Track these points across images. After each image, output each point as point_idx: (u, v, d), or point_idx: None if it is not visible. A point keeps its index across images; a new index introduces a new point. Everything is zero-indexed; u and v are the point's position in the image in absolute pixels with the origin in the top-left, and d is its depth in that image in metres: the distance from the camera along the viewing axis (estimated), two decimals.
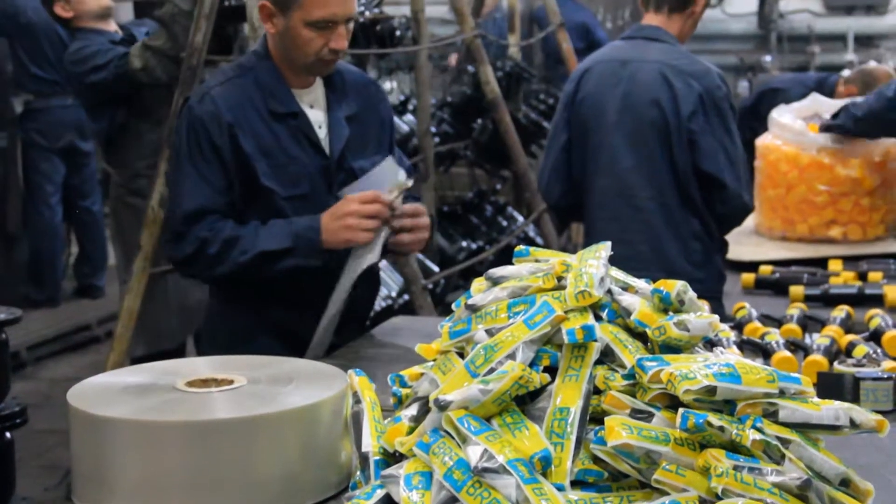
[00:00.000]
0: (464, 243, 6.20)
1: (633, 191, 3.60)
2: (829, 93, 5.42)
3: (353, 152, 2.97)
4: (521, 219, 6.57)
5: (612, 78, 3.65)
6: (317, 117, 2.95)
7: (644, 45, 3.65)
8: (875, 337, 2.68)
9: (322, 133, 2.94)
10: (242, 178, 2.86)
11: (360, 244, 2.83)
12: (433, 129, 5.96)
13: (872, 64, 5.36)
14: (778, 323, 2.89)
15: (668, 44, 3.62)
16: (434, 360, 2.01)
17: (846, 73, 5.50)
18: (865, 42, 11.91)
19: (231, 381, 1.85)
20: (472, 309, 2.00)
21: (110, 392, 1.84)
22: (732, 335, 2.68)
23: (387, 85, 6.10)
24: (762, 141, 4.39)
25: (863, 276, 3.62)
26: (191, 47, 4.20)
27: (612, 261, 2.01)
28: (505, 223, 6.56)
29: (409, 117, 5.86)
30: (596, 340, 1.80)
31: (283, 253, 2.80)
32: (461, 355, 1.94)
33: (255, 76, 2.90)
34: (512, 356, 1.80)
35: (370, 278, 3.07)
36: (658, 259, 3.53)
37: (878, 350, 2.54)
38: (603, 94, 3.65)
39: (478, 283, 2.11)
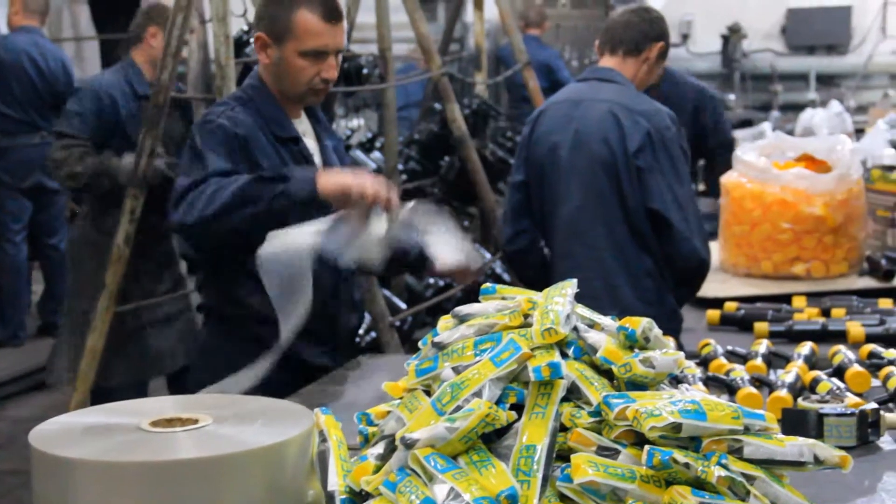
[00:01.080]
0: (431, 280, 6.20)
1: (584, 229, 3.62)
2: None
3: None
4: (488, 255, 6.58)
5: (564, 118, 3.69)
6: (310, 145, 3.08)
7: (598, 86, 3.69)
8: (838, 373, 2.70)
9: (316, 159, 3.07)
10: None
11: (353, 196, 2.70)
12: (400, 167, 5.98)
13: None
14: (743, 359, 2.91)
15: (622, 85, 3.67)
16: (401, 397, 2.01)
17: None
18: (827, 81, 12.07)
19: (196, 421, 1.84)
20: (439, 347, 2.00)
21: (72, 432, 1.82)
22: (698, 372, 2.69)
23: (354, 122, 6.11)
24: (727, 178, 4.43)
25: (826, 313, 3.65)
26: (158, 85, 4.20)
27: None
28: None
29: (376, 154, 5.88)
30: (562, 378, 1.81)
31: (278, 180, 2.73)
32: (428, 393, 1.94)
33: (256, 106, 3.00)
34: (478, 394, 1.80)
35: (357, 307, 3.17)
36: (610, 296, 3.54)
37: (842, 386, 2.56)
38: (556, 134, 3.69)
39: (444, 321, 2.11)
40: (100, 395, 4.48)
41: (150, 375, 4.93)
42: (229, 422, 1.85)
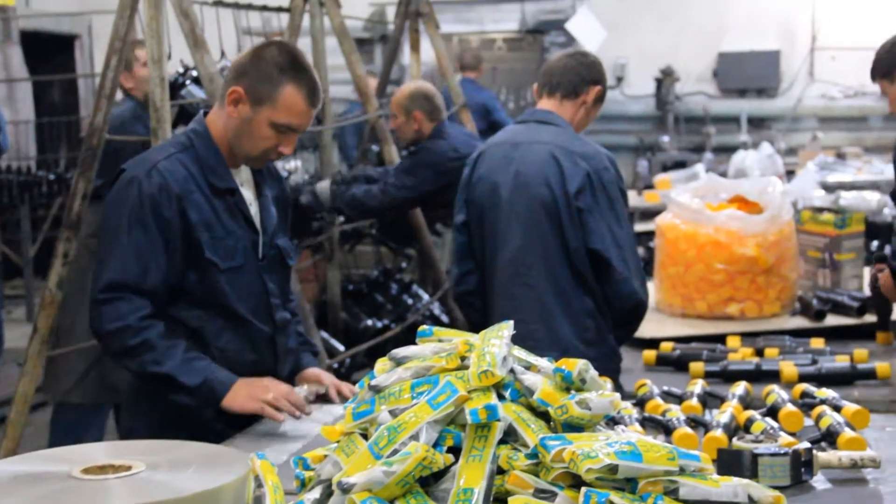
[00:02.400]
0: (369, 322, 6.18)
1: (525, 269, 3.63)
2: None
3: (278, 232, 3.12)
4: (426, 297, 6.58)
5: (504, 159, 3.71)
6: (247, 195, 3.06)
7: (536, 128, 3.72)
8: (772, 412, 2.72)
9: (253, 210, 3.05)
10: (187, 251, 2.92)
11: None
12: None
13: None
14: (679, 399, 2.93)
15: (560, 127, 3.70)
16: (337, 441, 2.00)
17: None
18: (758, 123, 12.27)
19: (129, 467, 1.81)
20: (376, 390, 2.00)
21: (1, 481, 1.78)
22: (634, 412, 2.71)
23: (291, 164, 6.10)
24: (662, 220, 4.48)
25: (760, 353, 3.69)
26: (91, 127, 4.17)
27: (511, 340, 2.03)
28: (410, 301, 6.56)
29: None
30: (499, 420, 1.81)
31: (185, 388, 2.87)
32: (365, 436, 1.93)
33: (195, 153, 2.98)
34: (415, 437, 1.79)
35: (294, 352, 3.18)
36: (551, 338, 3.55)
37: (776, 426, 2.58)
38: (496, 175, 3.71)
39: (381, 364, 2.11)
40: (63, 412, 4.71)
41: (107, 401, 4.96)
42: (163, 468, 1.82)
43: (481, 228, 3.75)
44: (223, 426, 2.92)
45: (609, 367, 3.56)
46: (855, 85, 12.09)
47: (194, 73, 4.71)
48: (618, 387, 3.34)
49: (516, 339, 2.05)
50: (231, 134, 2.95)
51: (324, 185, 5.41)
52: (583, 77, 3.71)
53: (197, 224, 2.91)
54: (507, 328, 2.06)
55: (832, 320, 4.19)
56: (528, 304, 3.60)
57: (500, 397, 1.90)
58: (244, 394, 2.87)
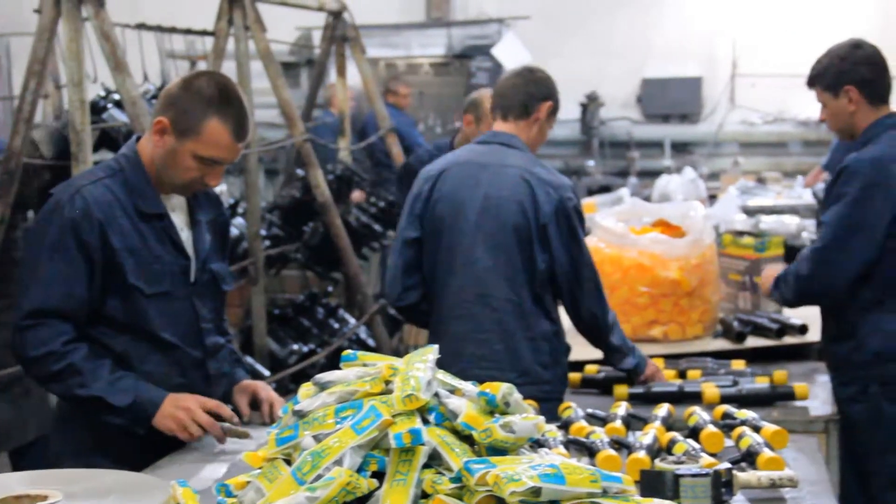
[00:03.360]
0: (295, 346, 6.14)
1: (489, 290, 3.64)
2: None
3: (212, 257, 3.11)
4: (352, 321, 6.56)
5: (471, 180, 3.71)
6: (179, 220, 3.04)
7: (502, 151, 3.73)
8: (694, 434, 2.76)
9: (184, 235, 3.03)
10: (109, 276, 2.90)
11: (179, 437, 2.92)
12: (263, 232, 5.93)
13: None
14: (603, 422, 2.95)
15: (524, 151, 3.73)
16: (260, 467, 1.99)
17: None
18: (681, 148, 12.45)
19: (45, 497, 1.78)
20: (299, 415, 1.99)
21: None
22: (559, 435, 2.73)
23: (217, 188, 6.05)
24: (587, 243, 4.51)
25: (682, 374, 3.74)
26: (8, 151, 4.10)
27: (467, 360, 2.03)
28: (337, 325, 6.54)
29: (238, 220, 5.83)
30: (423, 444, 1.81)
31: (115, 409, 2.86)
32: (288, 462, 1.92)
33: (124, 177, 2.96)
34: (339, 462, 1.79)
35: (223, 378, 3.15)
36: (511, 358, 3.56)
37: (697, 447, 2.62)
38: (461, 195, 3.70)
39: (305, 389, 2.10)
40: None
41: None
42: (80, 497, 1.80)
43: (437, 246, 3.73)
44: (148, 448, 2.89)
45: (560, 391, 3.60)
46: (774, 111, 12.33)
47: (116, 97, 4.66)
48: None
49: (477, 360, 2.05)
50: (157, 162, 2.95)
51: None
52: (532, 95, 3.73)
53: (120, 249, 2.89)
54: (431, 352, 2.07)
55: (752, 342, 4.25)
56: (489, 326, 3.61)
57: (425, 421, 1.90)
58: (168, 414, 2.86)
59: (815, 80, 3.82)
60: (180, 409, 2.87)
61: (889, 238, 3.61)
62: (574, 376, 3.77)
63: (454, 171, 3.76)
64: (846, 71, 3.73)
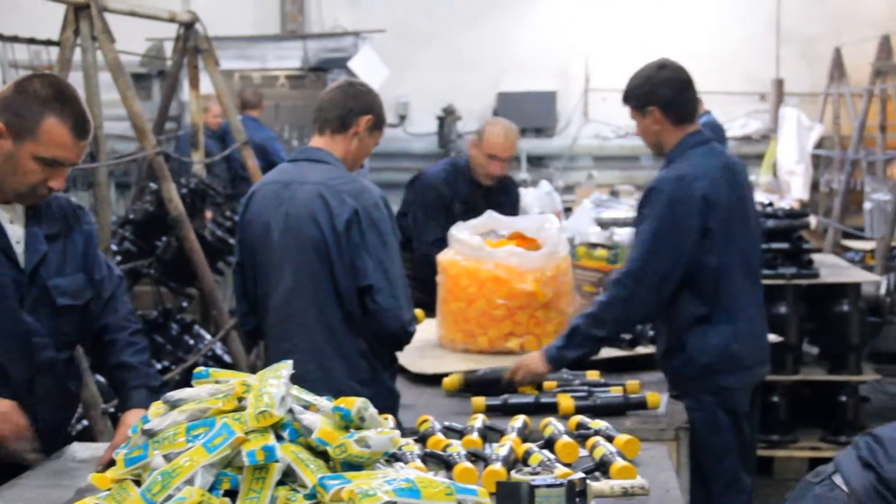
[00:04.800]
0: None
1: (298, 311, 3.61)
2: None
3: (50, 270, 2.98)
4: (208, 337, 6.46)
5: (274, 200, 3.68)
6: (15, 232, 2.94)
7: (307, 167, 3.70)
8: (549, 444, 2.79)
9: (20, 248, 2.93)
10: None
11: None
12: (114, 248, 5.80)
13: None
14: (459, 434, 2.96)
15: (331, 165, 3.68)
16: (108, 489, 1.94)
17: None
18: (537, 162, 12.64)
19: None
20: (149, 434, 1.95)
21: None
22: (416, 448, 2.72)
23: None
24: (443, 256, 4.53)
25: (538, 386, 3.78)
26: None
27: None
28: (192, 342, 6.42)
29: None
30: (277, 461, 1.79)
31: None
32: (138, 483, 1.87)
33: None
34: (190, 481, 1.76)
35: (63, 396, 3.04)
36: (325, 378, 3.52)
37: (552, 457, 2.65)
38: (267, 215, 3.68)
39: (155, 407, 2.06)
40: None
41: None
42: None
43: (254, 269, 3.72)
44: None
45: (385, 406, 3.57)
46: (625, 125, 12.61)
47: None
48: (398, 424, 3.36)
49: (291, 381, 2.03)
50: None
51: None
52: (350, 109, 3.70)
53: None
54: (285, 368, 2.04)
55: (606, 352, 4.32)
56: (301, 346, 3.57)
57: (279, 438, 1.88)
58: None
59: (626, 99, 3.97)
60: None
61: (704, 253, 3.75)
62: (450, 380, 3.78)
63: (262, 192, 3.75)
64: (649, 92, 3.89)
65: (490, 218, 4.80)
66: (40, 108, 2.79)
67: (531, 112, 12.64)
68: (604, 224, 7.07)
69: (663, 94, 3.87)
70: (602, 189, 9.97)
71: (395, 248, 3.63)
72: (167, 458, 1.85)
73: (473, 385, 3.83)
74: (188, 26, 6.39)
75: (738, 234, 3.86)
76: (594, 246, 5.24)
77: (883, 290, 7.10)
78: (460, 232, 4.55)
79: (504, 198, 5.55)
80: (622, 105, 4.01)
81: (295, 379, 2.05)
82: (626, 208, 8.17)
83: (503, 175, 5.51)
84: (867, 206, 9.62)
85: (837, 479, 2.48)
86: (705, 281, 3.78)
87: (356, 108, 3.70)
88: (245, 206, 3.78)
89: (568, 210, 9.26)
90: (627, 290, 3.80)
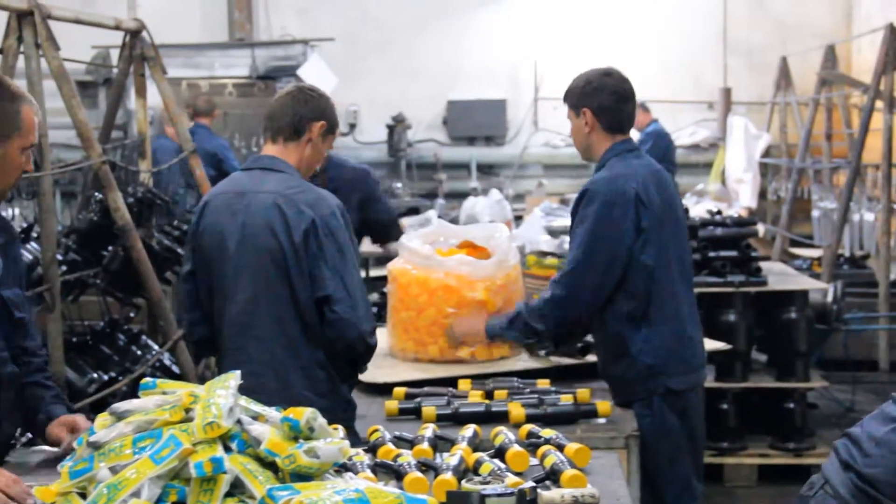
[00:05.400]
0: (94, 375, 5.93)
1: (255, 322, 3.57)
2: None
3: (6, 282, 2.98)
4: (156, 347, 6.39)
5: (228, 209, 3.63)
6: None
7: (261, 176, 3.65)
8: (500, 453, 2.78)
9: None
10: None
11: None
12: (60, 257, 5.72)
13: None
14: (410, 444, 2.94)
15: (285, 174, 3.64)
16: (53, 502, 1.90)
17: None
18: (487, 170, 12.67)
19: None
20: (95, 446, 1.92)
21: None
22: (366, 458, 2.70)
23: (8, 212, 5.81)
24: (394, 265, 4.52)
25: (489, 395, 3.77)
26: None
27: (242, 392, 1.99)
28: (139, 352, 6.35)
29: (33, 245, 5.60)
30: (225, 472, 1.77)
31: None
32: (83, 496, 1.85)
33: None
34: (137, 494, 1.73)
35: (13, 411, 2.99)
36: (283, 390, 3.48)
37: (503, 466, 2.64)
38: (222, 225, 3.63)
39: (101, 419, 2.03)
40: None
41: None
42: None
43: (209, 279, 3.67)
44: None
45: (343, 418, 3.54)
46: None
47: None
48: (353, 434, 3.33)
49: (247, 392, 2.01)
50: None
51: None
52: (302, 116, 3.66)
53: None
54: (233, 378, 2.02)
55: (556, 361, 4.32)
56: (258, 358, 3.53)
57: (227, 449, 1.86)
58: None
59: (565, 97, 4.01)
60: None
61: (639, 253, 3.80)
62: (390, 405, 3.73)
63: (216, 201, 3.70)
64: (589, 94, 3.93)
65: (441, 226, 4.80)
66: (13, 99, 2.86)
67: (481, 120, 12.68)
68: (554, 232, 7.10)
69: (601, 99, 3.91)
70: (552, 197, 10.01)
71: (352, 258, 3.60)
72: (113, 470, 1.83)
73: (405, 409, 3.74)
74: (134, 34, 6.32)
75: (670, 235, 3.91)
76: (544, 254, 5.26)
77: (830, 298, 7.17)
78: (411, 241, 4.54)
79: None
80: (563, 104, 4.04)
81: (250, 391, 2.03)
82: None
83: None
84: (814, 214, 9.75)
85: (828, 488, 2.51)
86: (641, 280, 3.82)
87: (308, 115, 3.66)
88: (199, 214, 3.72)
89: (518, 218, 9.28)
90: (567, 290, 3.87)
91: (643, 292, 3.83)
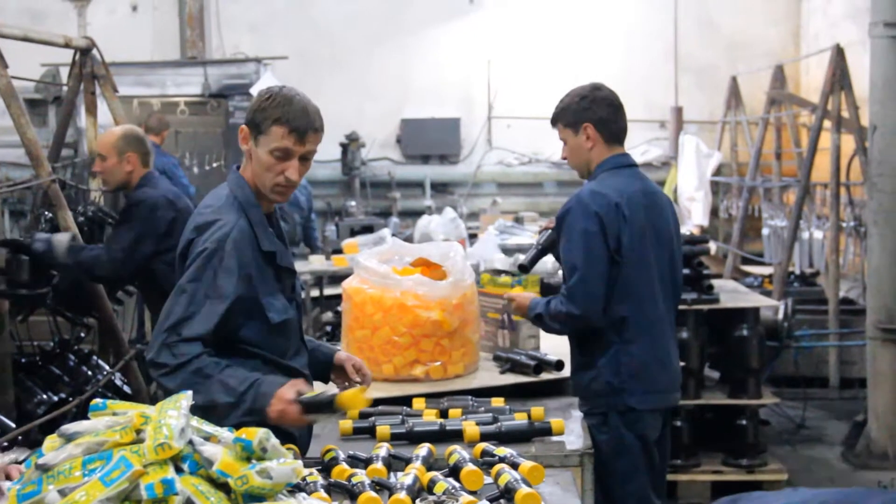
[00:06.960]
0: (44, 396, 5.85)
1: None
2: None
3: None
4: (107, 368, 6.32)
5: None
6: None
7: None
8: (454, 472, 2.77)
9: None
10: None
11: None
12: None
13: None
14: (364, 463, 2.92)
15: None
16: None
17: None
18: (441, 188, 12.68)
19: None
20: (43, 469, 1.89)
21: None
22: (320, 478, 2.68)
23: None
24: (348, 283, 4.50)
25: (444, 414, 3.76)
26: None
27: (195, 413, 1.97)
28: (90, 373, 6.28)
29: None
30: (176, 494, 1.75)
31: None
32: None
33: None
34: None
35: None
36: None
37: (457, 485, 2.63)
38: None
39: (50, 441, 2.00)
40: None
41: None
42: None
43: None
44: None
45: (299, 438, 3.51)
46: (529, 152, 12.74)
47: None
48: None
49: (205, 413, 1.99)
50: None
51: (61, 238, 5.32)
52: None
53: None
54: (185, 398, 2.00)
55: (511, 379, 4.33)
56: None
57: (179, 470, 1.84)
58: (277, 408, 2.86)
59: (557, 118, 4.02)
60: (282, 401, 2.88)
61: (615, 265, 3.82)
62: (344, 424, 3.69)
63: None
64: (586, 109, 3.94)
65: (395, 245, 4.78)
66: None
67: (435, 139, 12.70)
68: (508, 251, 7.11)
69: (599, 112, 3.93)
70: (506, 216, 10.03)
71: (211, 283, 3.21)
72: (62, 493, 1.80)
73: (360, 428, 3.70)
74: (84, 52, 6.28)
75: (654, 257, 3.92)
76: (499, 272, 5.26)
77: (780, 315, 7.24)
78: (367, 259, 4.52)
79: None
80: (550, 127, 4.06)
81: (208, 411, 2.01)
82: (530, 235, 8.22)
83: None
84: (765, 231, 9.84)
85: None
86: (619, 295, 3.83)
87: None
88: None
89: (472, 237, 9.29)
90: (580, 307, 3.86)
91: (619, 310, 3.85)
